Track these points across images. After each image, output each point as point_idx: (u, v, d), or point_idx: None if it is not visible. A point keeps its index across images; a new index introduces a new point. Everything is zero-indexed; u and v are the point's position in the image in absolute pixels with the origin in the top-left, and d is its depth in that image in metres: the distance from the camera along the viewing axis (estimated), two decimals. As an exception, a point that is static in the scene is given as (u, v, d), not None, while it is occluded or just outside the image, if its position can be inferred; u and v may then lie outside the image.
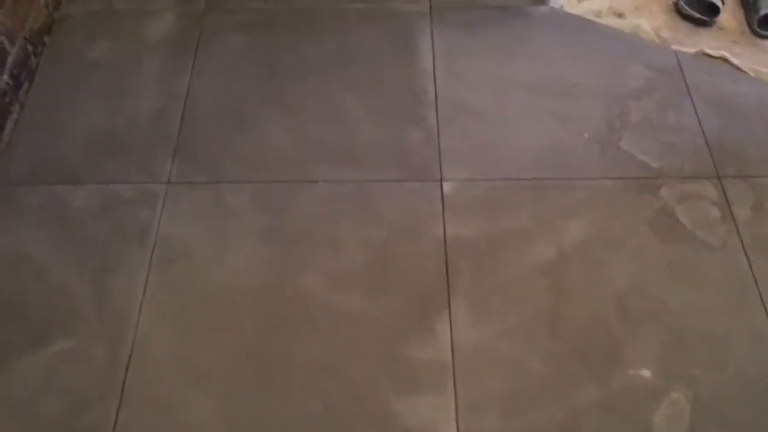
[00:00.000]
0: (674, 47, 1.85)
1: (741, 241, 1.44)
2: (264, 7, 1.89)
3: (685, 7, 1.94)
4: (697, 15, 1.92)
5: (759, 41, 1.90)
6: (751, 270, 1.40)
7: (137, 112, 1.66)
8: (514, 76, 1.74)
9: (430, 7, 1.89)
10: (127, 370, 1.29)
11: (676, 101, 1.69)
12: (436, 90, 1.70)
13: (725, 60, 1.84)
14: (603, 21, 1.90)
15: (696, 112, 1.66)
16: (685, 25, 1.93)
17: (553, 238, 1.45)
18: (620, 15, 1.96)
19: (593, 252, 1.43)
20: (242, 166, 1.57)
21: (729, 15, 1.94)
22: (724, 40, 1.90)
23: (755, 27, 1.89)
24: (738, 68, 1.80)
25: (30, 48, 1.73)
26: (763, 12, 1.88)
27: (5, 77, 1.61)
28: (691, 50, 1.85)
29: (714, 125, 1.64)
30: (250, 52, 1.79)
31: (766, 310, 1.34)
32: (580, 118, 1.65)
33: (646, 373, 1.28)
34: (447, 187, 1.53)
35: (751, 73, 1.79)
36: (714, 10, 1.93)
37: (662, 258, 1.42)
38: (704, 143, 1.60)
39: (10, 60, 1.64)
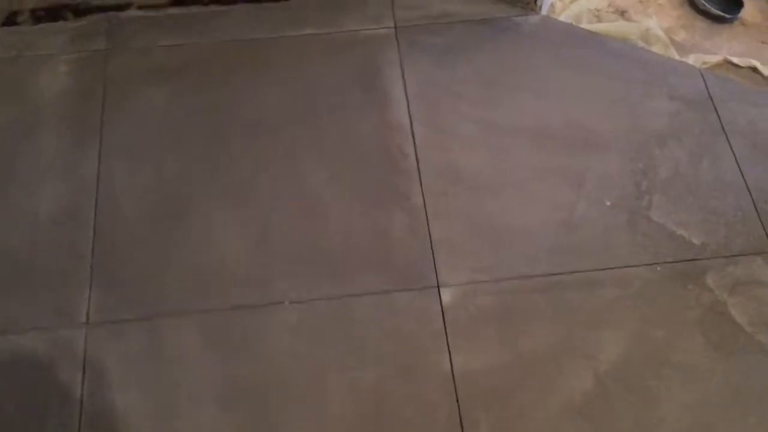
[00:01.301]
0: (693, 57, 1.52)
1: (808, 341, 1.18)
2: (187, 41, 1.47)
3: (703, 1, 1.60)
4: (716, 11, 1.59)
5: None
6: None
7: (32, 219, 1.27)
8: (511, 121, 1.39)
9: (395, 28, 1.50)
10: None
11: (710, 144, 1.38)
12: (416, 151, 1.35)
13: (755, 70, 1.52)
14: (605, 26, 1.55)
15: (736, 159, 1.36)
16: (701, 23, 1.60)
17: (585, 362, 1.16)
18: (623, 13, 1.60)
19: (637, 376, 1.15)
20: (183, 289, 1.21)
21: (751, 6, 1.61)
22: (750, 40, 1.58)
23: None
24: (773, 84, 1.50)
25: None
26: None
27: None
28: (714, 59, 1.52)
29: (760, 175, 1.35)
30: (175, 110, 1.39)
31: None
32: (598, 179, 1.33)
33: None
34: (446, 296, 1.21)
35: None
36: (736, 5, 1.59)
37: (724, 378, 1.15)
38: (751, 203, 1.31)
39: None
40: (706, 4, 1.59)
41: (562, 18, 1.56)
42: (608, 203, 1.31)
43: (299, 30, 1.49)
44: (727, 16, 1.58)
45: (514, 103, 1.42)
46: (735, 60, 1.53)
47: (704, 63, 1.52)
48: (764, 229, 1.29)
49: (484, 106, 1.41)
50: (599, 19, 1.58)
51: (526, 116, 1.40)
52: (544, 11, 1.55)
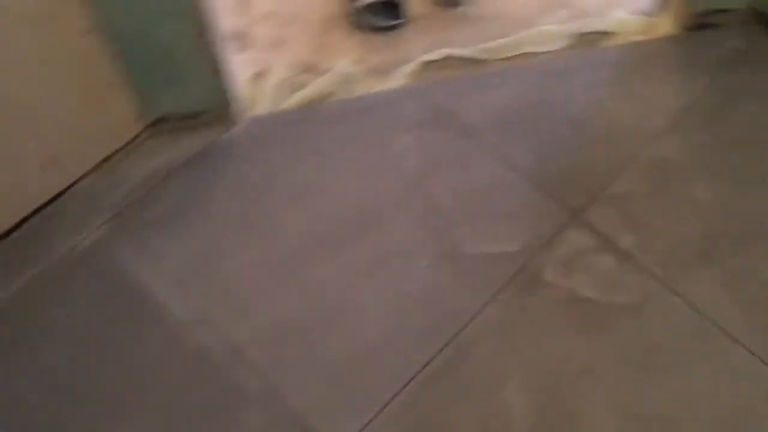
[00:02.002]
0: (398, 75, 1.51)
1: (654, 275, 1.24)
2: None
3: (367, 20, 1.58)
4: (384, 22, 1.58)
5: (452, 12, 1.63)
6: (698, 309, 1.20)
7: None
8: (289, 243, 1.29)
9: (110, 221, 1.31)
10: None
11: (466, 150, 1.39)
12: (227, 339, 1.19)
13: (459, 59, 1.54)
14: (309, 93, 1.48)
15: (491, 157, 1.38)
16: (380, 40, 1.59)
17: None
18: (312, 68, 1.53)
19: (559, 398, 1.13)
20: None
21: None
22: (430, 34, 1.60)
23: None
24: (476, 61, 1.52)
25: None
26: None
27: None
28: (412, 67, 1.53)
29: (522, 158, 1.38)
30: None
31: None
32: (402, 248, 1.28)
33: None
34: (349, 460, 1.10)
35: (489, 60, 1.52)
36: (394, 7, 1.59)
37: (610, 356, 1.17)
38: (532, 187, 1.34)
39: None
40: (372, 20, 1.58)
41: (267, 109, 1.46)
42: (424, 263, 1.26)
43: None
44: (396, 21, 1.58)
45: (280, 224, 1.31)
46: (432, 57, 1.54)
47: (410, 76, 1.51)
48: (556, 204, 1.32)
49: (256, 249, 1.28)
50: (301, 86, 1.49)
51: (297, 228, 1.30)
52: (245, 118, 1.44)
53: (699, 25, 1.50)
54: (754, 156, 1.36)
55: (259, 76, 1.50)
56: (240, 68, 1.48)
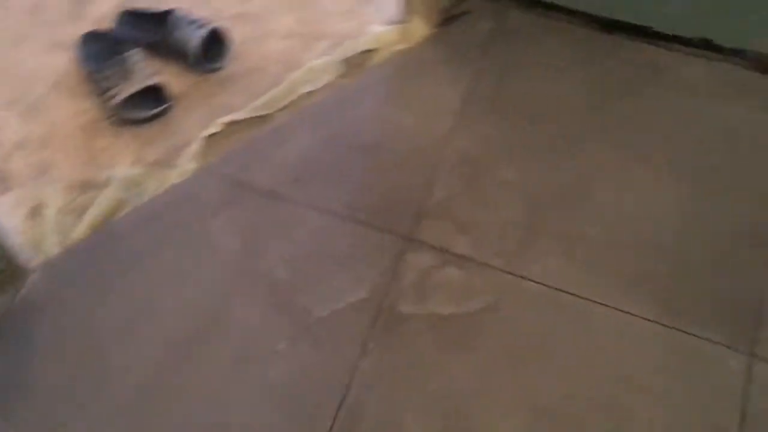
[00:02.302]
0: (180, 168, 1.42)
1: (498, 268, 1.26)
2: None
3: (129, 112, 1.47)
4: (148, 113, 1.48)
5: (212, 77, 1.56)
6: (548, 285, 1.24)
7: None
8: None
9: None
10: None
11: (279, 214, 1.33)
12: None
13: (231, 124, 1.48)
14: (96, 212, 1.35)
15: (306, 212, 1.34)
16: (148, 132, 1.48)
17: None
18: (91, 185, 1.41)
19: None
20: None
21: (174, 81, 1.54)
22: (200, 108, 1.52)
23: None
24: (256, 119, 1.47)
25: None
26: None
27: None
28: (195, 148, 1.44)
29: (335, 201, 1.35)
30: None
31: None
32: (233, 345, 1.20)
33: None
34: None
35: (268, 114, 1.47)
36: (156, 95, 1.49)
37: (490, 362, 1.17)
38: (357, 226, 1.31)
39: None
40: (135, 113, 1.47)
41: (57, 247, 1.31)
42: (282, 345, 1.20)
43: None
44: (160, 107, 1.48)
45: (117, 368, 1.18)
46: (212, 130, 1.47)
47: (197, 157, 1.43)
48: (384, 234, 1.31)
49: (102, 405, 1.15)
50: (85, 208, 1.35)
51: (138, 363, 1.18)
52: (36, 266, 1.29)
53: (449, 18, 1.55)
54: (542, 124, 1.43)
55: (34, 213, 1.35)
56: (9, 213, 1.32)
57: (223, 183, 1.38)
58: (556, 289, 1.24)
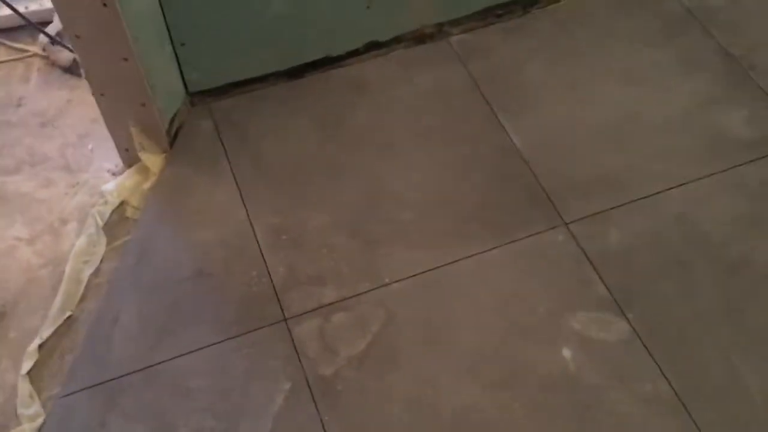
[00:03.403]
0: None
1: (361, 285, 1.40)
2: None
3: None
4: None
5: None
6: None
7: None
8: None
9: None
10: None
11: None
12: None
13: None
14: None
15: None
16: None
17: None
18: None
19: None
20: None
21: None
22: None
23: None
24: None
25: None
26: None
27: None
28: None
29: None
30: None
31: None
32: None
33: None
34: None
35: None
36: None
37: (409, 379, 1.32)
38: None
39: None
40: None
41: None
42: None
43: None
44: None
45: None
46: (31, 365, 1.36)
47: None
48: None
49: None
50: None
51: None
52: None
53: (174, 136, 1.62)
54: (307, 170, 1.58)
55: None
56: None
57: (89, 401, 1.29)
58: (415, 275, 1.42)
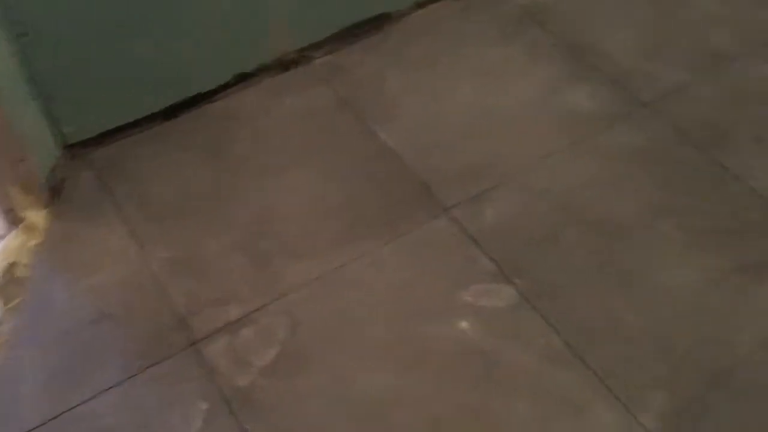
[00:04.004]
0: None
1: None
2: None
3: None
4: None
5: None
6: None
7: None
8: None
9: None
10: None
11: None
12: None
13: None
14: None
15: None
16: None
17: None
18: None
19: None
20: None
21: None
22: None
23: None
24: None
25: None
26: None
27: None
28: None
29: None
30: None
31: None
32: None
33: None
34: None
35: None
36: None
37: (330, 371, 1.38)
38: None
39: None
40: None
41: None
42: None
43: None
44: None
45: None
46: None
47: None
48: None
49: None
50: None
51: None
52: None
53: (56, 190, 1.63)
54: (199, 197, 1.63)
55: None
56: None
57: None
58: (313, 281, 1.48)
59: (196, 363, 1.37)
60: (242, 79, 1.83)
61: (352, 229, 1.57)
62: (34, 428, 1.29)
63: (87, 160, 1.69)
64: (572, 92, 1.81)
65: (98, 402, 1.33)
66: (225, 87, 1.82)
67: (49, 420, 1.30)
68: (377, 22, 1.96)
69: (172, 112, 1.77)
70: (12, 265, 1.55)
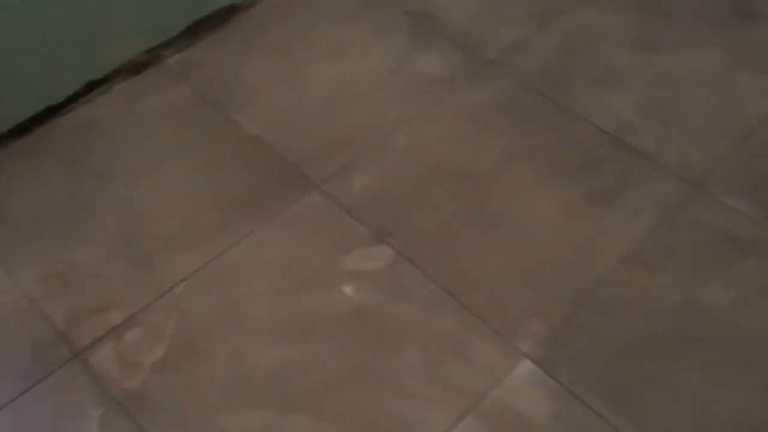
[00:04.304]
0: None
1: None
2: None
3: None
4: None
5: None
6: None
7: None
8: None
9: None
10: None
11: None
12: None
13: None
14: None
15: None
16: None
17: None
18: None
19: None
20: None
21: None
22: None
23: None
24: None
25: None
26: None
27: None
28: None
29: None
30: None
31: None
32: None
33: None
34: None
35: None
36: None
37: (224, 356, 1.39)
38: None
39: None
40: None
41: None
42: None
43: None
44: None
45: None
46: None
47: None
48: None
49: None
50: None
51: None
52: None
53: None
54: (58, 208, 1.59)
55: None
56: None
57: None
58: (195, 273, 1.49)
59: (83, 372, 1.35)
60: (94, 86, 1.80)
61: (227, 216, 1.58)
62: None
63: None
64: (421, 59, 1.89)
65: (-14, 431, 1.29)
66: (77, 96, 1.78)
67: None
68: (225, 14, 1.97)
69: (24, 128, 1.72)
70: None
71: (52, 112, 1.75)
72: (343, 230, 1.55)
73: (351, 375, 1.35)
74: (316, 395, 1.33)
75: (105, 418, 1.29)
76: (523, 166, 1.65)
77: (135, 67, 1.85)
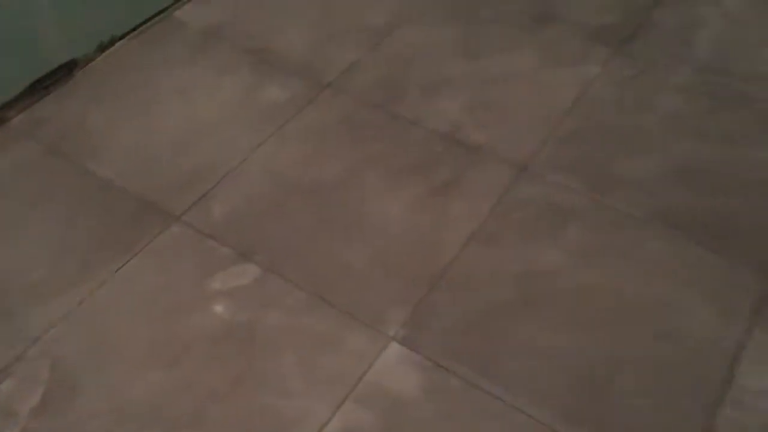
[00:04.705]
0: None
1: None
2: None
3: None
4: None
5: None
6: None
7: None
8: None
9: None
10: None
11: None
12: None
13: None
14: None
15: None
16: None
17: None
18: None
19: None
20: None
21: None
22: None
23: None
24: None
25: None
26: None
27: None
28: None
29: None
30: None
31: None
32: None
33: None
34: None
35: None
36: None
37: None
38: None
39: None
40: None
41: None
42: None
43: None
44: None
45: None
46: None
47: None
48: None
49: None
50: None
51: None
52: None
53: None
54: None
55: None
56: None
57: None
58: (64, 317, 1.50)
59: None
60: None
61: (91, 260, 1.61)
62: None
63: None
64: (264, 89, 2.00)
65: None
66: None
67: None
68: (67, 70, 2.00)
69: None
70: None
71: None
72: (207, 254, 1.62)
73: (231, 387, 1.41)
74: (199, 411, 1.37)
75: (-14, 472, 1.29)
76: (368, 173, 1.78)
77: (-21, 131, 1.86)
